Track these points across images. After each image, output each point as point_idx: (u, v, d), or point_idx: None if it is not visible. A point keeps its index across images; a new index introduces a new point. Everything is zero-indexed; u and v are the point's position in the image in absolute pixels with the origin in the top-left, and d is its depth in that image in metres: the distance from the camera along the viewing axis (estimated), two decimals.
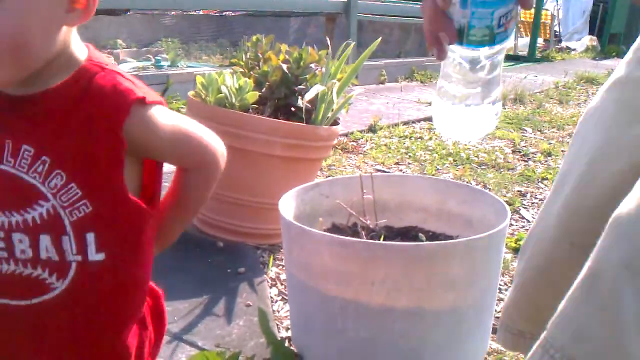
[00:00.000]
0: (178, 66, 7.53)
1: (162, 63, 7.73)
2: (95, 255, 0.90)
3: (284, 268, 2.68)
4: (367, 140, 5.01)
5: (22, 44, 0.80)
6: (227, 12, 6.24)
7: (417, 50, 9.84)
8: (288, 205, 1.91)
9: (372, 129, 5.35)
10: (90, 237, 0.89)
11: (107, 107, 0.88)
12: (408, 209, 2.12)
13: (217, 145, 1.09)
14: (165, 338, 2.08)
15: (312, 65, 2.92)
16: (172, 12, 5.99)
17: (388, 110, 6.19)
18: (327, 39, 7.32)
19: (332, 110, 2.78)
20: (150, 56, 8.16)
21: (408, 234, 2.05)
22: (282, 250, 2.84)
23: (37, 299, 0.91)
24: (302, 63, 2.88)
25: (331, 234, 1.66)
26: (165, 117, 0.96)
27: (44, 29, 0.82)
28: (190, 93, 2.86)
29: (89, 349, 0.98)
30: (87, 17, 0.87)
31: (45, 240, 0.87)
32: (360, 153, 4.62)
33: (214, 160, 1.08)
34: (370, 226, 1.99)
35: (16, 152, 0.85)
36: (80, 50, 0.92)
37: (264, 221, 2.83)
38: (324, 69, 2.87)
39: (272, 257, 2.72)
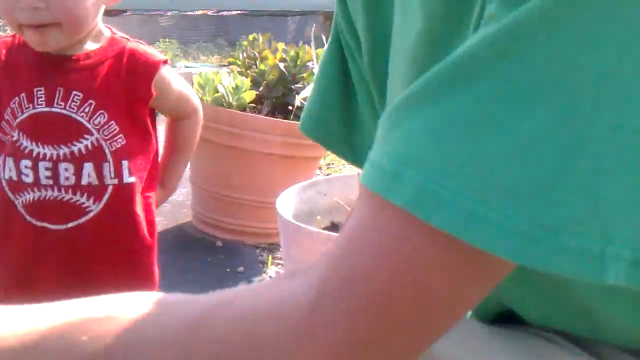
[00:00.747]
0: (176, 67, 7.53)
1: None
2: (129, 178, 1.13)
3: (281, 266, 2.68)
4: None
5: (81, 17, 1.06)
6: (224, 12, 6.24)
7: None
8: (286, 203, 1.91)
9: None
10: (125, 163, 1.13)
11: (142, 64, 1.15)
12: None
13: (198, 100, 1.41)
14: None
15: (310, 63, 2.92)
16: (169, 13, 5.98)
17: None
18: (324, 37, 7.31)
19: None
20: None
21: None
22: (280, 248, 2.84)
23: (73, 223, 1.12)
24: (299, 62, 2.89)
25: (329, 232, 1.66)
26: (175, 77, 1.26)
27: (94, 6, 1.08)
28: None
29: (122, 265, 1.19)
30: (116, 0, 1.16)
31: (88, 167, 1.10)
32: None
33: (198, 110, 1.39)
34: None
35: (67, 97, 1.09)
36: (104, 26, 1.19)
37: (262, 220, 2.83)
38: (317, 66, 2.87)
39: (270, 256, 2.72)
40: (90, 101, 1.10)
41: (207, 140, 2.74)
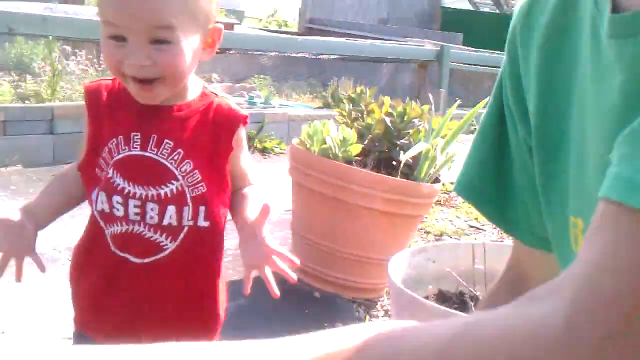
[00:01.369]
0: (271, 104, 7.67)
1: (255, 100, 7.88)
2: (203, 222, 1.20)
3: None
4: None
5: (183, 72, 1.13)
6: (323, 56, 6.34)
7: None
8: (396, 268, 1.89)
9: None
10: (202, 208, 1.20)
11: (227, 119, 1.23)
12: None
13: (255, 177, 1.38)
14: None
15: (416, 120, 2.92)
16: (271, 53, 6.12)
17: None
18: (418, 86, 7.30)
19: (435, 167, 2.76)
20: (245, 92, 8.35)
21: None
22: (377, 305, 2.82)
23: (151, 258, 1.19)
24: (405, 117, 2.89)
25: (445, 308, 1.64)
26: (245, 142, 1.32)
27: (193, 61, 1.15)
28: (295, 141, 2.90)
29: (189, 301, 1.25)
30: (212, 54, 1.22)
31: (171, 209, 1.17)
32: (453, 206, 4.56)
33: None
34: (478, 296, 1.95)
35: (159, 144, 1.17)
36: (197, 80, 1.26)
37: (361, 274, 2.82)
38: (426, 125, 2.87)
39: (367, 315, 2.70)
40: (179, 150, 1.18)
41: (312, 190, 2.78)
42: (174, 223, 1.18)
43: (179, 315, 1.25)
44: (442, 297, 1.99)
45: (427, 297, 1.94)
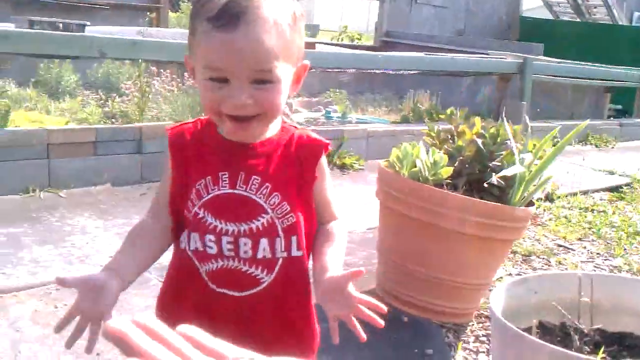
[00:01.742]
0: (348, 118, 7.67)
1: (332, 115, 7.91)
2: (296, 252, 1.23)
3: (470, 353, 2.59)
4: (544, 210, 4.80)
5: (279, 109, 1.18)
6: (403, 71, 6.30)
7: (591, 112, 9.39)
8: (497, 300, 1.83)
9: (549, 198, 5.13)
10: (294, 238, 1.23)
11: (309, 149, 1.27)
12: (622, 312, 1.98)
13: (339, 211, 1.40)
14: None
15: (508, 141, 2.84)
16: (351, 70, 6.12)
17: (563, 176, 5.91)
18: (499, 99, 7.15)
19: (529, 191, 2.68)
20: (321, 107, 8.38)
21: (623, 341, 1.90)
22: (467, 330, 2.75)
23: (248, 292, 1.22)
24: (498, 139, 2.82)
25: (553, 346, 1.57)
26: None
27: (285, 99, 1.19)
28: (383, 163, 2.87)
29: (288, 327, 1.28)
30: (298, 89, 1.27)
31: (264, 242, 1.20)
32: (539, 224, 4.43)
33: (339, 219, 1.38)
34: (584, 329, 1.87)
35: (247, 181, 1.20)
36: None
37: (450, 299, 2.76)
38: (519, 145, 2.79)
39: (459, 340, 2.63)
40: (267, 184, 1.21)
41: (401, 214, 2.73)
42: (268, 255, 1.21)
43: (278, 340, 1.28)
44: (544, 330, 1.91)
45: (528, 329, 1.87)
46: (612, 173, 6.37)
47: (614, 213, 4.84)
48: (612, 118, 9.92)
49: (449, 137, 2.99)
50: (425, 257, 2.71)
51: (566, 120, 8.49)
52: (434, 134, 3.03)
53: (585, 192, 5.45)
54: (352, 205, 4.60)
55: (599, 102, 9.68)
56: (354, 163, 5.71)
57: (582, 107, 9.44)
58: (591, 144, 8.05)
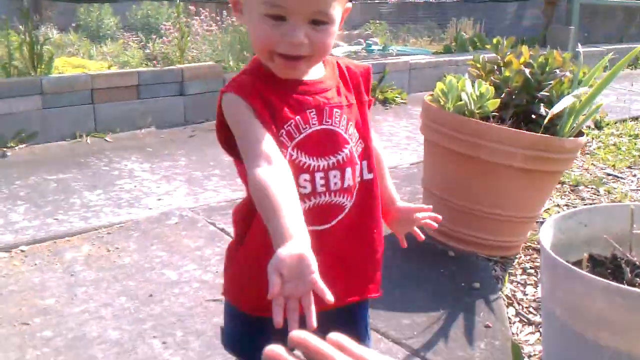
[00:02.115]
0: (389, 50, 7.53)
1: (373, 47, 7.78)
2: (368, 175, 1.29)
3: (518, 285, 2.58)
4: (592, 139, 4.68)
5: (329, 50, 1.20)
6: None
7: None
8: (546, 234, 1.81)
9: (597, 126, 5.00)
10: (365, 163, 1.28)
11: (361, 77, 1.31)
12: None
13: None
14: (405, 353, 2.09)
15: (557, 70, 2.75)
16: (391, 1, 5.95)
17: (613, 103, 5.74)
18: (545, 24, 6.92)
19: (579, 121, 2.60)
20: (361, 40, 8.24)
21: None
22: (514, 263, 2.74)
23: (335, 221, 1.24)
24: (547, 68, 2.73)
25: (607, 281, 1.54)
26: None
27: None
28: (427, 98, 2.82)
29: (367, 248, 1.33)
30: (340, 30, 1.31)
31: (348, 172, 1.24)
32: (587, 153, 4.33)
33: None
34: (635, 262, 1.83)
35: (331, 114, 1.23)
36: None
37: (497, 233, 2.74)
38: (569, 74, 2.70)
39: (506, 273, 2.63)
40: (344, 115, 1.25)
41: (446, 149, 2.70)
42: (351, 183, 1.25)
43: (364, 261, 1.34)
44: (594, 263, 1.89)
45: (578, 263, 1.85)
46: None
47: None
48: None
49: (495, 67, 2.91)
50: (471, 192, 2.68)
51: (616, 44, 8.19)
52: (479, 65, 2.95)
53: (635, 119, 5.30)
54: (395, 140, 4.56)
55: None
56: (396, 97, 5.63)
57: (631, 29, 9.06)
58: None
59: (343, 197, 1.25)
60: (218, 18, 5.90)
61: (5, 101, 3.94)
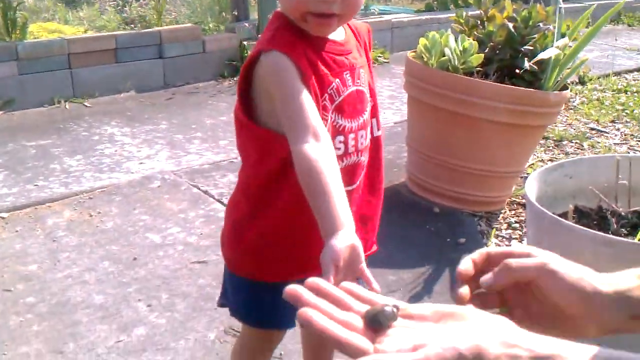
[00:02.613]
0: (371, 9, 7.44)
1: None
2: (377, 132, 1.31)
3: (503, 240, 2.59)
4: (576, 94, 4.67)
5: (357, 10, 1.18)
6: None
7: None
8: (532, 187, 1.80)
9: (581, 81, 4.98)
10: (374, 121, 1.30)
11: (366, 35, 1.31)
12: None
13: None
14: None
15: (541, 24, 2.72)
16: None
17: (596, 58, 5.72)
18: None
19: (563, 74, 2.58)
20: None
21: None
22: (499, 218, 2.74)
23: (359, 179, 1.26)
24: (530, 22, 2.69)
25: (594, 231, 1.54)
26: None
27: None
28: (410, 54, 2.78)
29: (377, 204, 1.35)
30: None
31: (368, 130, 1.26)
32: (571, 108, 4.32)
33: None
34: (621, 212, 1.83)
35: (359, 75, 1.23)
36: None
37: (481, 188, 2.73)
38: (553, 28, 2.67)
39: (492, 228, 2.63)
40: (365, 75, 1.25)
41: (431, 105, 2.67)
42: (367, 142, 1.27)
43: (373, 219, 1.36)
44: (580, 214, 1.88)
45: (564, 215, 1.85)
46: None
47: None
48: None
49: (479, 22, 2.87)
50: (455, 148, 2.66)
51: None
52: (462, 21, 2.91)
53: (618, 74, 5.28)
54: (379, 100, 4.52)
55: None
56: (379, 56, 5.57)
57: None
58: (623, 22, 7.75)
59: (364, 156, 1.27)
60: None
61: None
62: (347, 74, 1.21)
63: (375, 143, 1.32)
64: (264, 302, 1.28)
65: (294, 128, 1.08)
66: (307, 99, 1.10)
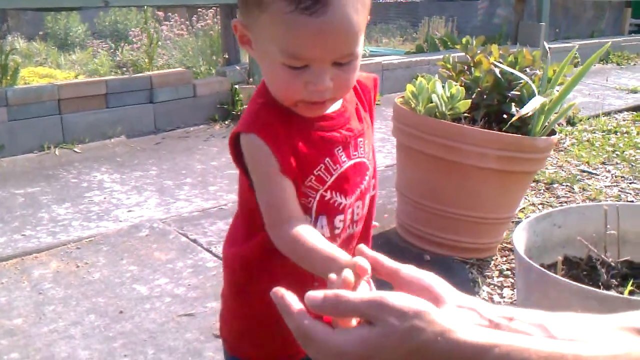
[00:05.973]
0: (362, 51, 7.51)
1: None
2: (372, 192, 1.23)
3: (495, 288, 2.56)
4: (566, 135, 4.69)
5: (352, 87, 1.11)
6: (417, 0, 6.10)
7: (612, 29, 9.10)
8: (520, 238, 1.78)
9: (570, 122, 5.01)
10: (372, 182, 1.22)
11: (371, 91, 1.22)
12: None
13: None
14: None
15: (527, 69, 2.74)
16: None
17: (585, 98, 5.77)
18: (516, 21, 6.92)
19: (550, 119, 2.59)
20: None
21: None
22: (490, 265, 2.72)
23: (352, 244, 1.20)
24: (517, 67, 2.71)
25: (580, 285, 1.52)
26: None
27: None
28: (398, 100, 2.79)
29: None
30: None
31: (367, 198, 1.20)
32: (561, 150, 4.34)
33: None
34: (610, 262, 1.82)
35: (357, 146, 1.16)
36: None
37: (472, 235, 2.72)
38: (539, 72, 2.69)
39: (481, 276, 2.60)
40: (366, 140, 1.17)
41: (419, 152, 2.67)
42: (365, 210, 1.22)
43: None
44: (570, 265, 1.87)
45: (553, 265, 1.83)
46: (635, 92, 6.21)
47: (638, 134, 4.72)
48: (633, 34, 9.62)
49: (466, 67, 2.89)
50: (445, 194, 2.65)
51: (586, 39, 8.25)
52: (449, 66, 2.93)
53: (607, 114, 5.32)
54: None
55: (620, 17, 9.36)
56: None
57: (602, 23, 9.14)
58: (612, 62, 7.83)
59: (360, 225, 1.21)
60: (188, 23, 5.83)
61: None
62: (339, 149, 1.13)
63: (370, 202, 1.25)
64: None
65: (267, 213, 1.07)
66: (280, 188, 1.06)
